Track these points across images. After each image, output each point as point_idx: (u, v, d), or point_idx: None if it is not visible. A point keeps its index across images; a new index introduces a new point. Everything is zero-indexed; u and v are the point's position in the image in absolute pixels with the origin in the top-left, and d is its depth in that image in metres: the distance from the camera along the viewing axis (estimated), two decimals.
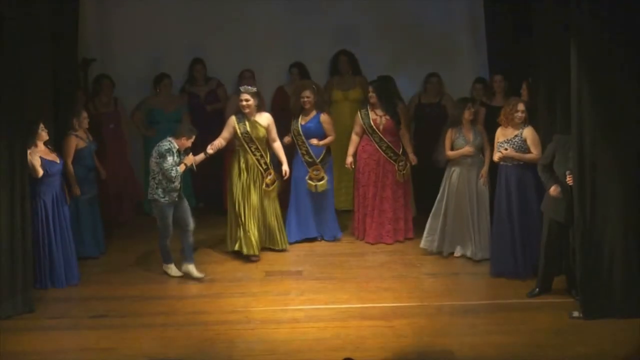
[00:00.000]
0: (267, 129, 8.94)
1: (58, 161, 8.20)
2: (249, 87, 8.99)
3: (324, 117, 9.36)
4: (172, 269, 8.51)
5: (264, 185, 8.89)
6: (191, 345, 7.04)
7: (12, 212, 7.49)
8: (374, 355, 6.80)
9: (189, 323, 7.46)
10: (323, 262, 8.93)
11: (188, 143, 8.35)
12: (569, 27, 7.32)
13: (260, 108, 9.00)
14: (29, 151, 7.77)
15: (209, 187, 10.20)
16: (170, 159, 8.19)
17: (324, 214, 9.46)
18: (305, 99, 9.27)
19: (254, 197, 8.85)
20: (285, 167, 9.02)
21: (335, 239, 9.48)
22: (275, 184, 8.98)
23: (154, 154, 8.30)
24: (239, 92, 10.25)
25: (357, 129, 9.36)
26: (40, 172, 7.88)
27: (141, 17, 10.58)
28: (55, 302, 7.93)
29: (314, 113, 9.33)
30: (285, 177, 9.06)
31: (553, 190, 7.63)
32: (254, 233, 8.83)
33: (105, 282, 8.42)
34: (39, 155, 7.92)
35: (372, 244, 9.32)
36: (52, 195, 8.14)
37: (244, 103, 8.86)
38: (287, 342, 7.08)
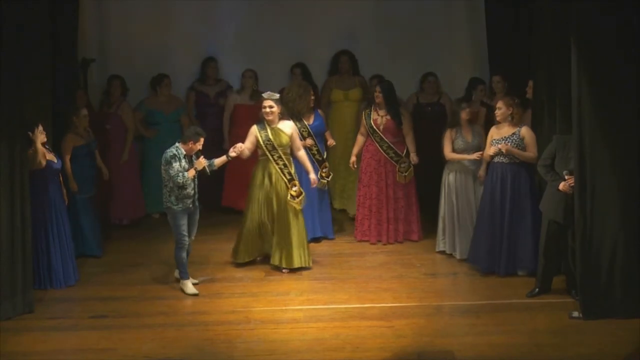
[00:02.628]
0: (291, 137, 8.59)
1: (56, 161, 8.20)
2: (273, 93, 8.57)
3: (320, 112, 9.42)
4: (188, 286, 8.09)
5: (288, 197, 8.45)
6: (191, 346, 7.04)
7: (12, 212, 7.48)
8: (373, 355, 6.81)
9: (189, 323, 7.46)
10: (323, 262, 8.93)
11: (197, 147, 8.01)
12: (569, 27, 7.32)
13: (282, 116, 8.63)
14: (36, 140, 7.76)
15: (208, 188, 10.19)
16: (176, 165, 7.94)
17: (323, 213, 9.45)
18: (312, 98, 9.28)
19: (275, 210, 8.50)
20: (312, 176, 8.63)
21: (330, 238, 9.49)
22: (302, 196, 8.51)
23: (162, 161, 8.04)
24: (239, 92, 10.32)
25: (362, 129, 9.36)
26: (44, 162, 7.86)
27: (141, 17, 10.59)
28: (55, 303, 7.93)
29: (312, 111, 9.35)
30: (313, 186, 8.74)
31: (562, 186, 7.61)
32: (270, 243, 8.62)
33: (105, 282, 8.42)
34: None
35: (372, 244, 9.33)
36: (50, 195, 8.13)
37: (267, 110, 8.45)
38: (286, 342, 7.08)
